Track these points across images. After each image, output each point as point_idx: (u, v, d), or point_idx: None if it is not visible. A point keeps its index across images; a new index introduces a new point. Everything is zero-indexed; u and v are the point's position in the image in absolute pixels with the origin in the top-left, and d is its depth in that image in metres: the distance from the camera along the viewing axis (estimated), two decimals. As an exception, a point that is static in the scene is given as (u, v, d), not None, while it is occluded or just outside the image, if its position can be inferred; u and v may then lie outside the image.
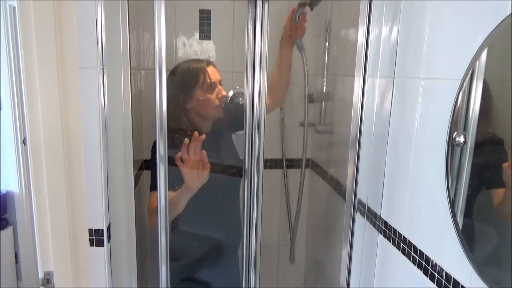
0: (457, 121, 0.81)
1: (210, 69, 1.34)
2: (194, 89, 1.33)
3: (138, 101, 1.60)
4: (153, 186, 1.14)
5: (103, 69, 0.99)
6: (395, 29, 1.07)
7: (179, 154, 1.14)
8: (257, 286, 1.21)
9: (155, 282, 1.10)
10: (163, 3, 0.92)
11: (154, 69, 0.96)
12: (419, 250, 0.96)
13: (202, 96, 1.33)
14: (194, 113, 1.35)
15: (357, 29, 1.12)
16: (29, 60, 0.89)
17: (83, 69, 0.96)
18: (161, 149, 1.02)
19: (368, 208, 1.20)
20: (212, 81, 1.33)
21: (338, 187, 1.64)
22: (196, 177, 1.17)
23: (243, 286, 1.22)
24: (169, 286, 1.11)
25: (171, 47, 1.78)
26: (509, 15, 0.67)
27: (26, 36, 0.88)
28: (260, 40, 1.07)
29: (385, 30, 1.09)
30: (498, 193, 0.71)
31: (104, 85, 0.99)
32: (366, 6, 1.10)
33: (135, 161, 1.17)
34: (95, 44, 0.96)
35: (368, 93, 1.15)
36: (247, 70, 1.12)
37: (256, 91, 1.10)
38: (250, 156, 1.14)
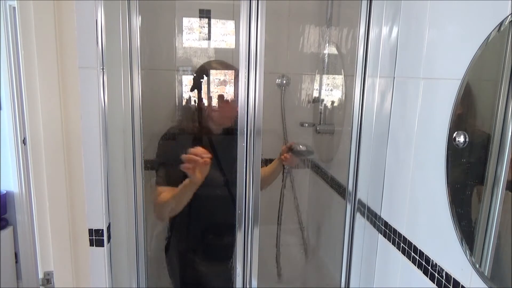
0: (457, 121, 0.81)
1: (222, 72, 1.35)
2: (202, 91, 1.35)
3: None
4: (159, 181, 1.23)
5: (103, 69, 0.99)
6: (395, 29, 1.07)
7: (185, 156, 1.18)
8: (257, 286, 1.21)
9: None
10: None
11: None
12: (419, 250, 0.96)
13: (208, 101, 1.35)
14: (204, 114, 1.39)
15: (357, 29, 1.12)
16: (29, 60, 0.89)
17: (83, 69, 0.96)
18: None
19: (368, 208, 1.20)
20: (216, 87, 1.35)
21: (338, 187, 1.64)
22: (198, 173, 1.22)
23: (242, 286, 1.22)
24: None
25: (171, 47, 1.78)
26: (509, 15, 0.67)
27: (26, 36, 0.88)
28: (256, 38, 1.04)
29: (385, 30, 1.09)
30: (498, 193, 0.71)
31: (104, 85, 1.00)
32: (366, 6, 1.10)
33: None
34: (95, 44, 0.96)
35: (368, 93, 1.15)
36: (242, 69, 1.10)
37: (251, 90, 1.09)
38: (246, 158, 1.13)
